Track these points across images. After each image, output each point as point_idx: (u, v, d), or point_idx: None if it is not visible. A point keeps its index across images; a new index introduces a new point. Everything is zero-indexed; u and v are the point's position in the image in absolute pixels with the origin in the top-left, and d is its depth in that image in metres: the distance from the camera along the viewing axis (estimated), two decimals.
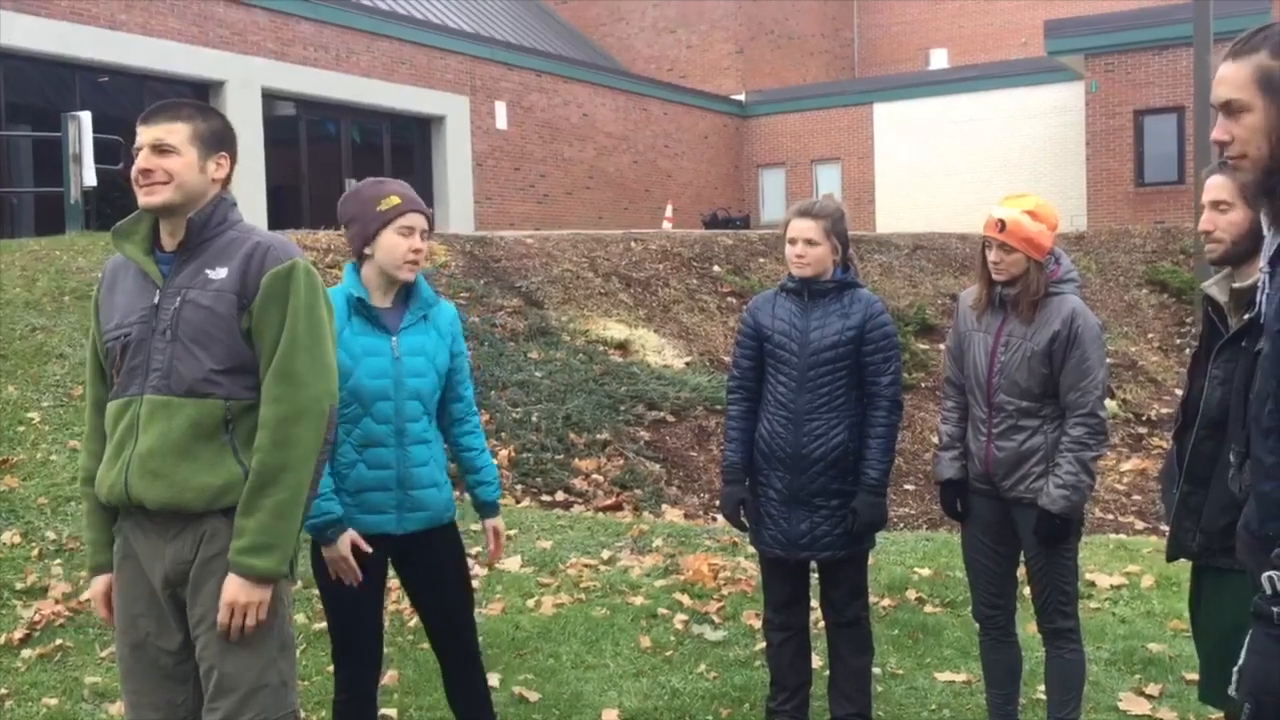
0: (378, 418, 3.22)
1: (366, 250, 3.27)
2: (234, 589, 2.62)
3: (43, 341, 8.26)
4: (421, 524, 3.29)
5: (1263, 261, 2.15)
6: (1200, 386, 2.84)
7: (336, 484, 3.20)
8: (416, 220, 3.27)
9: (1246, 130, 2.09)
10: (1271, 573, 1.92)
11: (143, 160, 2.71)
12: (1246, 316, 2.68)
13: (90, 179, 12.46)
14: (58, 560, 5.74)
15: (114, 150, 13.05)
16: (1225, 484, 2.65)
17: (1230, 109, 2.11)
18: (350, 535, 3.14)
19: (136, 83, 16.27)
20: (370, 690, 3.37)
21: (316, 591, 5.45)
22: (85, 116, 12.57)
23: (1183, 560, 2.97)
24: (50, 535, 5.98)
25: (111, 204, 14.41)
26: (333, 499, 3.14)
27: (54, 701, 4.46)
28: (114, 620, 2.86)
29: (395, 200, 3.25)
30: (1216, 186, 2.81)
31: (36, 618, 5.16)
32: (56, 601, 5.31)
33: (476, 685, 3.53)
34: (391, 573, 3.47)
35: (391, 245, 3.24)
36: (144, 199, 2.73)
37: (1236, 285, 2.77)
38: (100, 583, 2.87)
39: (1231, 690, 2.71)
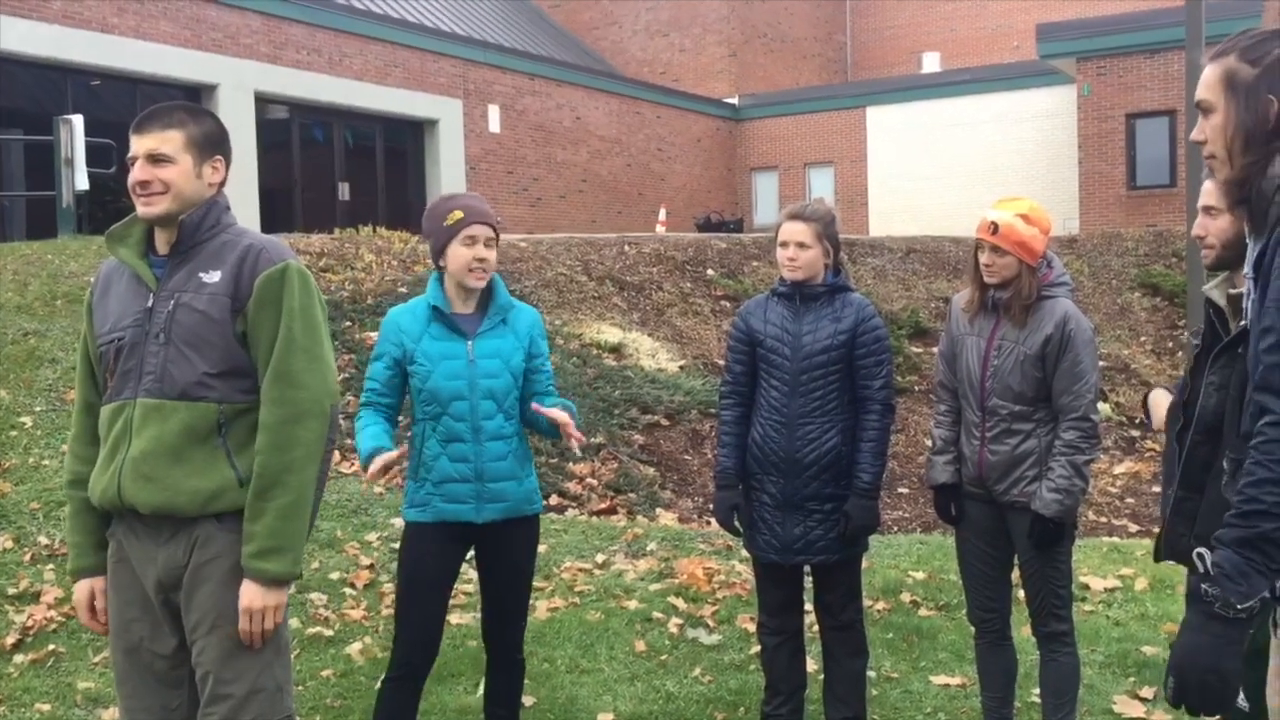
0: (455, 416, 3.42)
1: (440, 263, 3.51)
2: (250, 594, 2.63)
3: (35, 346, 8.24)
4: (500, 514, 3.47)
5: (1246, 268, 2.17)
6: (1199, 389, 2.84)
7: (424, 474, 3.45)
8: (479, 230, 3.46)
9: (1213, 130, 2.16)
10: (1201, 549, 1.97)
11: (139, 172, 2.71)
12: (1243, 323, 2.68)
13: (82, 183, 12.45)
14: (50, 565, 5.72)
15: (106, 154, 13.04)
16: (1220, 490, 2.65)
17: (1201, 108, 2.18)
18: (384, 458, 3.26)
19: (129, 86, 16.25)
20: (420, 674, 3.48)
21: (310, 596, 5.47)
22: (77, 120, 12.56)
23: (1172, 563, 2.97)
24: (43, 540, 5.96)
25: (103, 207, 14.38)
26: (385, 437, 3.37)
27: (46, 707, 4.44)
28: (97, 625, 2.86)
29: (459, 215, 3.47)
30: (1206, 192, 2.83)
31: (29, 623, 5.14)
32: (49, 607, 5.30)
33: (512, 684, 3.66)
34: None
35: (457, 256, 3.46)
36: (142, 210, 2.74)
37: (1233, 291, 2.77)
38: (83, 587, 2.86)
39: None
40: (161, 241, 2.79)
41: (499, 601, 3.58)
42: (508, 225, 20.45)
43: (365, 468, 3.29)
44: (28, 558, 5.80)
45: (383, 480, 3.29)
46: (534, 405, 3.50)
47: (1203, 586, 1.94)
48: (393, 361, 3.47)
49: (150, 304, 2.73)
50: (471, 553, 3.59)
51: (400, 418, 3.64)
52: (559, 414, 3.43)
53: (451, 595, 3.75)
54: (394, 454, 3.28)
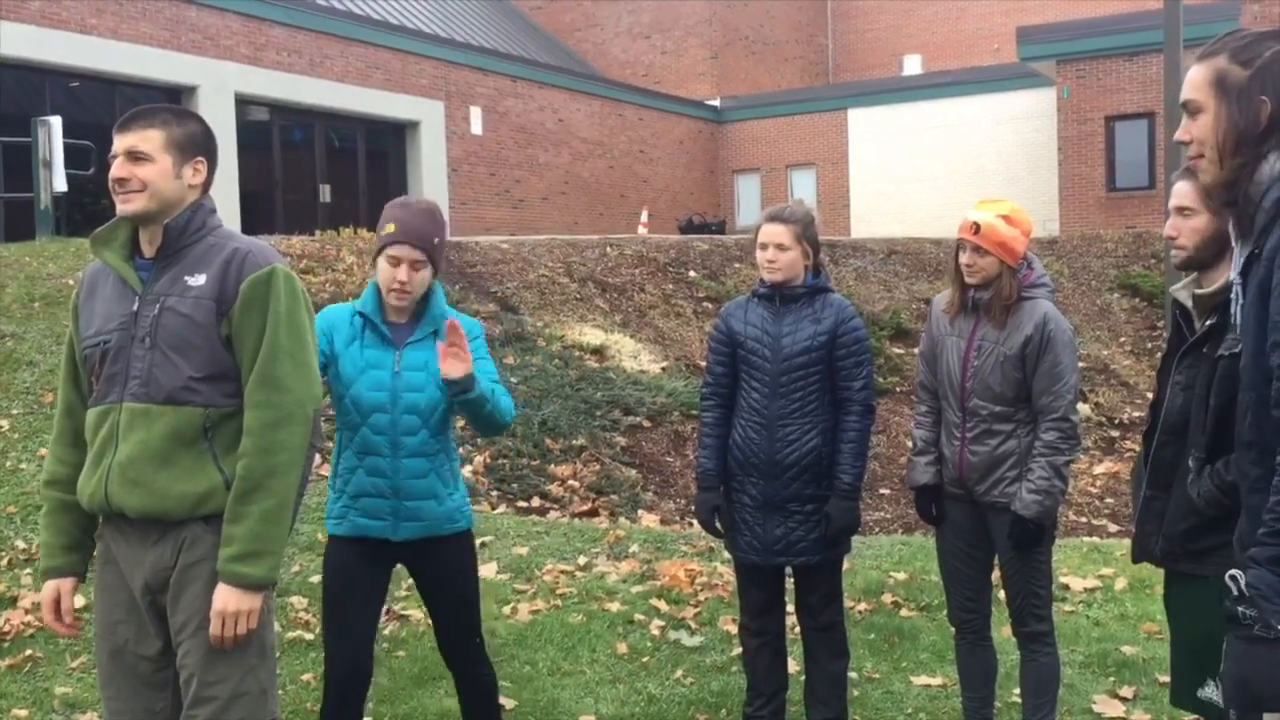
0: (374, 428, 3.27)
1: (371, 270, 3.35)
2: (224, 598, 2.61)
3: (12, 349, 8.18)
4: (416, 532, 3.33)
5: (1233, 273, 2.17)
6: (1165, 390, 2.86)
7: (340, 486, 3.33)
8: (403, 252, 3.24)
9: (1201, 131, 2.14)
10: (1234, 571, 1.94)
11: (117, 168, 2.71)
12: (1208, 323, 2.70)
13: (61, 184, 12.37)
14: (27, 570, 5.68)
15: (85, 155, 12.95)
16: (1186, 489, 2.67)
17: (1188, 109, 2.16)
18: None
19: (108, 88, 16.15)
20: (358, 695, 3.38)
21: (291, 599, 5.44)
22: (55, 121, 12.48)
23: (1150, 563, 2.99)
24: (20, 544, 5.92)
25: (82, 209, 14.29)
26: None
27: (24, 713, 4.41)
28: (60, 627, 2.85)
29: (391, 228, 3.26)
30: (1180, 193, 2.84)
31: (6, 628, 5.10)
32: (26, 611, 5.25)
33: (481, 699, 3.53)
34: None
35: (381, 270, 3.29)
36: (120, 207, 2.73)
37: (1199, 291, 2.79)
38: (49, 588, 2.84)
39: (1203, 691, 2.73)
40: (146, 244, 2.78)
41: (442, 621, 3.47)
42: (490, 227, 20.43)
43: None
44: (4, 562, 5.75)
45: None
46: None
47: (1239, 609, 1.89)
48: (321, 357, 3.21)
49: (136, 308, 2.71)
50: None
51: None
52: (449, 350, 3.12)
53: (384, 602, 3.65)
54: None
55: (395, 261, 3.24)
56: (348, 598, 3.32)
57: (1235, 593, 1.91)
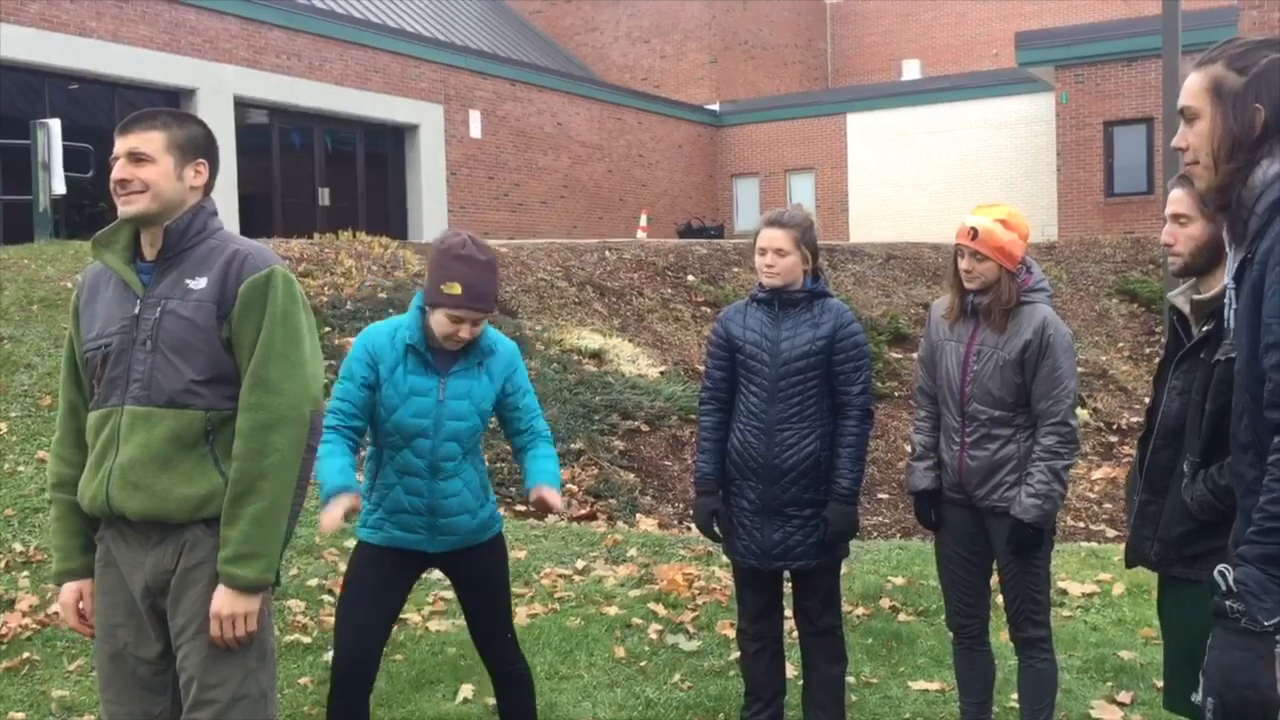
0: (415, 452, 3.37)
1: (427, 306, 3.38)
2: (222, 600, 2.63)
3: (10, 351, 8.18)
4: (451, 545, 3.45)
5: (1227, 278, 2.18)
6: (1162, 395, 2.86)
7: (378, 500, 3.42)
8: (467, 315, 3.31)
9: (1198, 137, 2.16)
10: (1222, 566, 1.96)
11: (119, 170, 2.71)
12: (1205, 328, 2.70)
13: (59, 187, 12.39)
14: (25, 573, 5.67)
15: (83, 158, 12.96)
16: (1181, 493, 2.67)
17: (1185, 115, 2.18)
18: (344, 502, 3.16)
19: (107, 90, 16.16)
20: (362, 690, 3.41)
21: (289, 603, 5.44)
22: (54, 124, 12.50)
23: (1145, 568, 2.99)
24: (17, 547, 5.91)
25: (80, 212, 14.30)
26: (350, 472, 3.26)
27: (21, 716, 4.40)
28: (84, 629, 2.85)
29: (456, 290, 3.28)
30: (1176, 200, 2.84)
31: (3, 630, 5.10)
32: (24, 614, 5.25)
33: (518, 697, 3.62)
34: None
35: (440, 324, 3.34)
36: (122, 209, 2.73)
37: (1197, 297, 2.79)
38: (69, 591, 2.84)
39: (1196, 696, 2.72)
40: (148, 247, 2.78)
41: (477, 620, 3.57)
42: (489, 230, 20.44)
43: (326, 501, 3.14)
44: (2, 565, 5.75)
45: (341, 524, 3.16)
46: (531, 491, 3.43)
47: (1227, 603, 1.92)
48: (366, 383, 3.36)
49: (137, 310, 2.72)
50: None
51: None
52: (548, 497, 3.37)
53: (403, 608, 3.70)
54: (357, 499, 3.20)
55: (457, 320, 3.31)
56: (367, 595, 3.39)
57: (1224, 588, 1.95)
